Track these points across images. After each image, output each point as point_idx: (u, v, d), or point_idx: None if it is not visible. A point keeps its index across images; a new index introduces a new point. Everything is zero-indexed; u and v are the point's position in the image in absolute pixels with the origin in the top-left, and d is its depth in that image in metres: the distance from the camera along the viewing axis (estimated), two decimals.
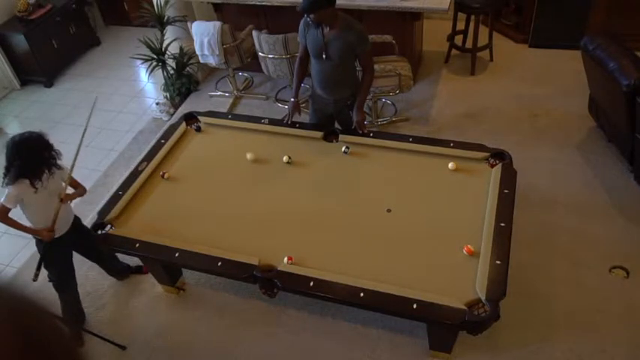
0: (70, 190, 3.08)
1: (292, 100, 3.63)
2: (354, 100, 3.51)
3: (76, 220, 3.21)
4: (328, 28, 3.24)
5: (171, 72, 5.22)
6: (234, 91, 5.29)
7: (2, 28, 5.82)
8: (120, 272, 3.65)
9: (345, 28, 3.24)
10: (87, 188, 3.27)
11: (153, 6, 5.01)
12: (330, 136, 3.53)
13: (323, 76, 3.46)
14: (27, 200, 2.86)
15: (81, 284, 3.40)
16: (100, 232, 3.07)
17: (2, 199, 2.83)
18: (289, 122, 3.62)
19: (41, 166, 2.82)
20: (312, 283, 2.64)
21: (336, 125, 3.74)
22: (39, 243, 3.05)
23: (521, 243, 3.38)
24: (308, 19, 3.23)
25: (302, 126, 3.65)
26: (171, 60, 5.17)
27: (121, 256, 3.55)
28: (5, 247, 4.19)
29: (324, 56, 3.32)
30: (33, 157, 2.78)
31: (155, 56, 5.01)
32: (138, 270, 3.69)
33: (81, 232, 3.21)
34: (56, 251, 3.06)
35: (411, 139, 3.41)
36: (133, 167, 3.56)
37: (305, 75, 3.66)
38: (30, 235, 3.04)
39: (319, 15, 3.16)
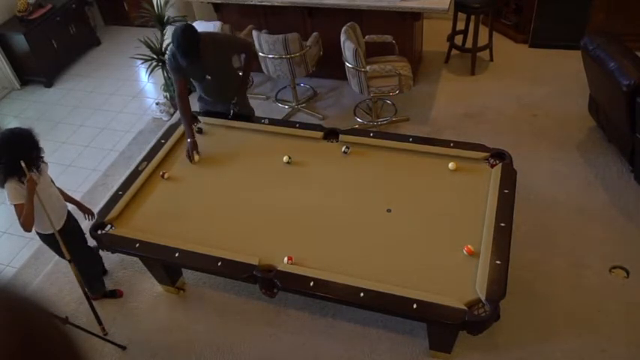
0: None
1: (189, 140, 3.50)
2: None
3: (69, 216, 3.20)
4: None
5: None
6: None
7: (2, 28, 5.82)
8: (93, 289, 3.46)
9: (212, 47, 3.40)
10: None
11: (153, 6, 5.01)
12: (330, 136, 3.54)
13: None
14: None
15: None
16: (100, 232, 3.07)
17: (12, 201, 2.76)
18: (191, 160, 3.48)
19: (29, 165, 2.73)
20: (312, 283, 2.64)
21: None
22: (48, 241, 3.05)
23: (521, 243, 3.38)
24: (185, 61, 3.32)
25: (302, 126, 3.66)
26: None
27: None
28: (5, 247, 4.19)
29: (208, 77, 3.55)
30: (20, 155, 2.69)
31: (155, 56, 5.00)
32: (112, 294, 3.58)
33: (72, 227, 3.20)
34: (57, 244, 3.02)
35: (411, 139, 3.41)
36: (133, 167, 3.56)
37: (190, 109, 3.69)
38: (30, 235, 3.04)
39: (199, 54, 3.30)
